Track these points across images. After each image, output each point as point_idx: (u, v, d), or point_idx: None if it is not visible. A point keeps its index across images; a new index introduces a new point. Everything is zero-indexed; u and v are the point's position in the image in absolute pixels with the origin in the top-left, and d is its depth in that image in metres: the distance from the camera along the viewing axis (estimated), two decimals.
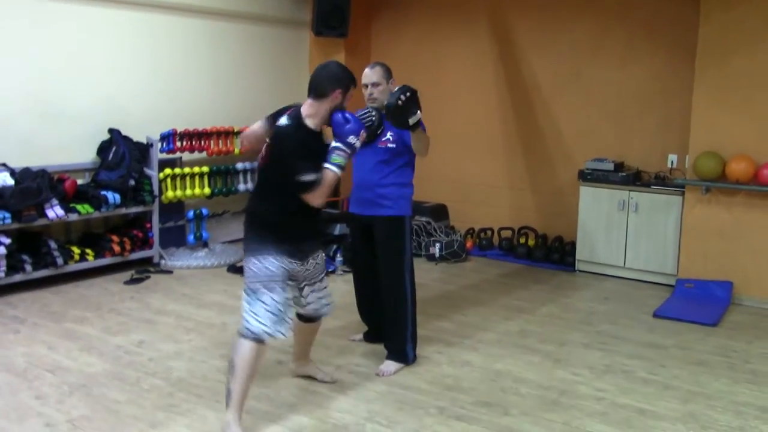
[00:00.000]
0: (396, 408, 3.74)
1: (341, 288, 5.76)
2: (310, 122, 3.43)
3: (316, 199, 3.35)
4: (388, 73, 4.23)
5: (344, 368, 4.24)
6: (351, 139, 3.39)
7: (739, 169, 5.63)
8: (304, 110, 3.44)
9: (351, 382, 4.05)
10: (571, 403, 3.86)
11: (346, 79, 3.48)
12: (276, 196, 3.43)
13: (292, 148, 3.35)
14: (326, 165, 3.33)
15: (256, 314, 3.35)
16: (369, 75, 4.21)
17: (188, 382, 3.97)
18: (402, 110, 3.86)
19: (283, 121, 3.45)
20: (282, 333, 3.40)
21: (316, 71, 3.51)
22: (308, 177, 3.28)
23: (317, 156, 3.37)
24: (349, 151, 3.38)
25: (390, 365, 4.21)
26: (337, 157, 3.36)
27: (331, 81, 3.43)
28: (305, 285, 3.66)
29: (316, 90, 3.43)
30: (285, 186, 3.35)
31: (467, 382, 4.10)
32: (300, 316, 3.81)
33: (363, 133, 3.47)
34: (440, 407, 3.75)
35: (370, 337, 4.63)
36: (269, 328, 3.35)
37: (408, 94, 3.88)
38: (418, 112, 3.91)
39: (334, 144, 3.39)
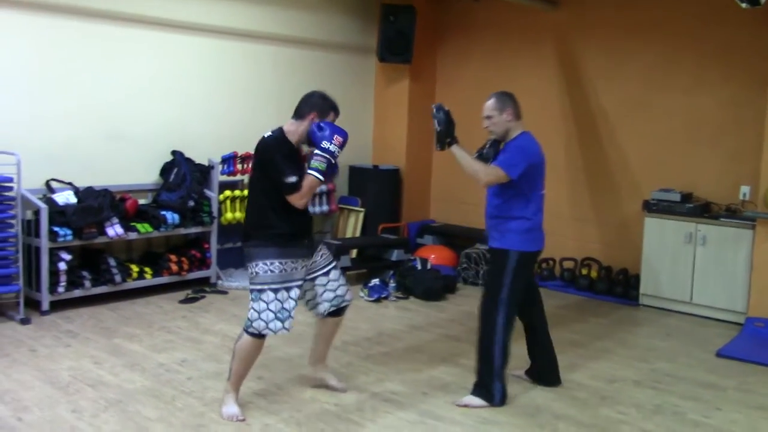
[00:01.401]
0: None
1: (392, 314, 5.70)
2: (290, 137, 3.82)
3: (297, 200, 3.69)
4: (501, 104, 4.08)
5: (379, 395, 4.16)
6: (324, 143, 3.68)
7: None
8: (286, 127, 3.85)
9: (383, 410, 3.97)
10: None
11: (322, 106, 3.83)
12: (266, 202, 3.77)
13: (275, 153, 3.72)
14: (308, 170, 3.67)
15: (258, 312, 3.73)
16: (484, 108, 4.14)
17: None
18: (446, 134, 4.09)
19: (267, 133, 3.86)
20: (284, 329, 3.75)
21: (302, 97, 3.92)
22: (291, 179, 3.64)
23: (297, 165, 3.73)
24: (326, 155, 3.66)
25: (472, 400, 4.06)
26: (316, 162, 3.67)
27: (309, 105, 3.83)
28: (318, 275, 3.96)
29: (297, 111, 3.86)
30: (273, 190, 3.71)
31: (504, 415, 3.95)
32: (322, 314, 4.05)
33: (338, 138, 3.70)
34: None
35: (530, 374, 4.46)
36: (272, 325, 3.73)
37: (444, 116, 4.09)
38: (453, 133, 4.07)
39: (314, 151, 3.70)
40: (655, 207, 6.29)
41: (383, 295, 6.32)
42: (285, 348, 4.93)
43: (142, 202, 6.25)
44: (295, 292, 3.77)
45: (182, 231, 6.26)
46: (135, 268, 5.98)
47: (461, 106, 8.13)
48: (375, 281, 6.45)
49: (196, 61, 6.68)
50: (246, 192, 6.73)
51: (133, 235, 5.90)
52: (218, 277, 6.55)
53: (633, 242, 6.65)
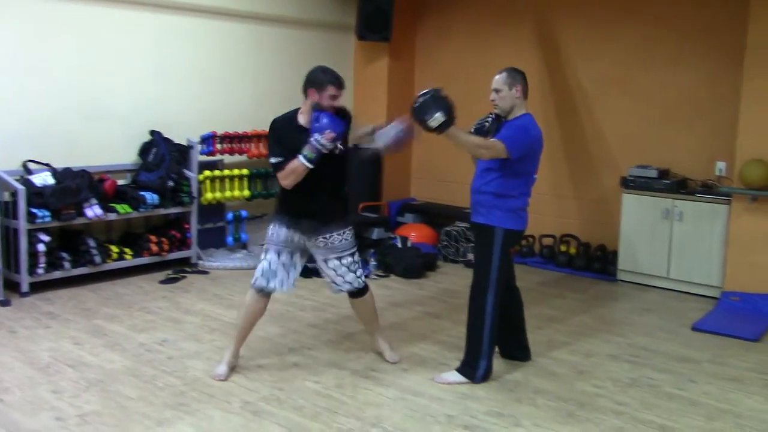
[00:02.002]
0: (404, 415, 3.67)
1: (373, 292, 5.70)
2: (301, 118, 4.00)
3: (281, 180, 3.93)
4: (512, 79, 4.00)
5: (359, 373, 4.20)
6: (316, 136, 3.80)
7: None
8: (301, 108, 4.02)
9: (363, 387, 4.01)
10: (588, 416, 3.73)
11: (318, 80, 3.92)
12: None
13: (270, 132, 4.07)
14: (298, 154, 3.82)
15: (258, 268, 4.10)
16: (494, 81, 4.05)
17: (202, 382, 3.99)
18: (417, 112, 3.80)
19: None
20: (273, 287, 4.06)
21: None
22: (272, 159, 3.93)
23: (293, 145, 3.86)
24: (316, 146, 3.80)
25: (452, 376, 4.09)
26: (306, 150, 3.82)
27: (307, 82, 3.97)
28: (322, 260, 4.13)
29: (302, 90, 4.01)
30: None
31: (483, 390, 4.00)
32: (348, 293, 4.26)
33: (329, 133, 3.79)
34: (450, 416, 3.68)
35: (502, 351, 4.43)
36: (259, 280, 4.05)
37: (427, 96, 3.81)
38: (438, 114, 3.74)
39: (310, 139, 3.83)
40: (632, 183, 6.35)
41: (364, 273, 6.32)
42: (266, 327, 4.94)
43: (120, 182, 6.22)
44: (282, 257, 4.07)
45: (162, 211, 6.24)
46: (115, 249, 5.97)
47: (441, 84, 8.16)
48: None
49: (174, 40, 6.62)
50: (226, 171, 6.75)
51: (112, 216, 5.88)
52: (199, 258, 6.54)
53: (611, 218, 6.71)
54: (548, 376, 4.25)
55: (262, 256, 4.11)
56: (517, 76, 4.03)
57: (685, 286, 6.14)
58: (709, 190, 6.13)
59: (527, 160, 3.99)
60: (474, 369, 4.06)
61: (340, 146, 3.99)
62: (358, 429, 3.50)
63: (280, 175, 3.91)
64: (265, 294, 4.10)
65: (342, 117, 3.98)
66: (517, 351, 4.46)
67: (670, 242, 6.16)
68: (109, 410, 3.62)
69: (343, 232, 4.13)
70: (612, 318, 5.47)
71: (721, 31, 6.18)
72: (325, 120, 3.82)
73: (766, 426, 3.68)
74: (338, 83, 3.93)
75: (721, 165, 6.21)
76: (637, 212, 6.33)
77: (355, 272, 4.19)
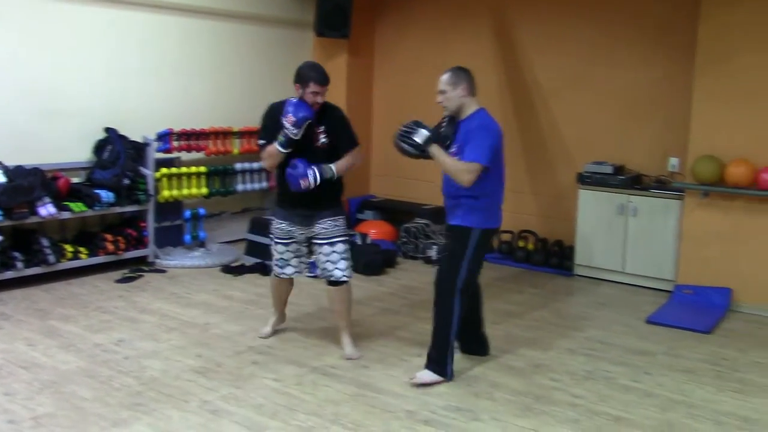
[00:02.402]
0: (364, 411, 3.68)
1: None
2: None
3: (262, 162, 4.34)
4: (455, 78, 3.99)
5: (318, 369, 4.20)
6: (283, 119, 4.07)
7: (738, 173, 5.50)
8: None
9: (323, 384, 4.00)
10: (544, 409, 3.77)
11: (302, 76, 4.16)
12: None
13: (263, 115, 4.36)
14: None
15: (273, 258, 4.50)
16: (439, 82, 4.04)
17: (160, 382, 3.95)
18: (404, 133, 3.99)
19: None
20: (281, 274, 4.50)
21: None
22: (259, 141, 4.32)
23: (274, 128, 4.19)
24: (285, 131, 4.07)
25: (426, 375, 4.05)
26: (279, 136, 4.11)
27: (295, 77, 4.20)
28: (315, 244, 4.37)
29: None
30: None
31: (442, 386, 4.02)
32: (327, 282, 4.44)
33: (289, 117, 4.04)
34: (409, 411, 3.69)
35: (461, 347, 4.45)
36: (276, 269, 4.53)
37: (410, 123, 3.98)
38: (423, 130, 3.94)
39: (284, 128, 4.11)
40: (588, 179, 6.44)
41: (313, 274, 6.29)
42: (224, 325, 4.92)
43: (75, 180, 6.12)
44: (290, 246, 4.42)
45: (118, 210, 6.15)
46: (69, 249, 5.86)
47: (400, 80, 8.21)
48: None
49: (130, 36, 6.52)
50: (184, 169, 6.67)
51: (66, 215, 5.77)
52: (156, 256, 6.46)
53: (568, 214, 6.79)
54: (506, 370, 4.30)
55: (274, 248, 4.47)
56: (461, 74, 4.01)
57: (639, 280, 6.25)
58: (662, 185, 6.24)
59: (495, 157, 3.99)
60: (443, 367, 4.05)
61: (324, 139, 4.26)
62: (318, 426, 3.50)
63: (261, 156, 4.29)
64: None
65: (323, 110, 4.24)
66: (476, 346, 4.49)
67: (625, 237, 6.26)
68: (64, 412, 3.56)
69: (336, 219, 4.37)
70: (569, 312, 5.55)
71: (675, 29, 6.30)
72: (287, 106, 4.09)
73: (717, 415, 3.77)
74: (321, 80, 4.13)
75: (674, 161, 6.33)
76: (593, 208, 6.42)
77: (347, 260, 4.39)
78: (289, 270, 4.47)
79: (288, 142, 4.10)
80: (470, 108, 4.02)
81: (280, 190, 4.41)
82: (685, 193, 5.89)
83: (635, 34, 6.53)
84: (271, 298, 4.80)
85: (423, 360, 4.37)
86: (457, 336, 4.16)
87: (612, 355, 4.62)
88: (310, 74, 4.12)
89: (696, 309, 5.55)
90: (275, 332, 4.75)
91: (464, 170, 3.86)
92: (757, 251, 5.58)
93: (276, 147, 4.13)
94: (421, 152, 3.96)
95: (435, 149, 3.92)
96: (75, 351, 4.37)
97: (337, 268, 4.34)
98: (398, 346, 4.64)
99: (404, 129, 3.98)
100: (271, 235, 4.48)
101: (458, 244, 4.03)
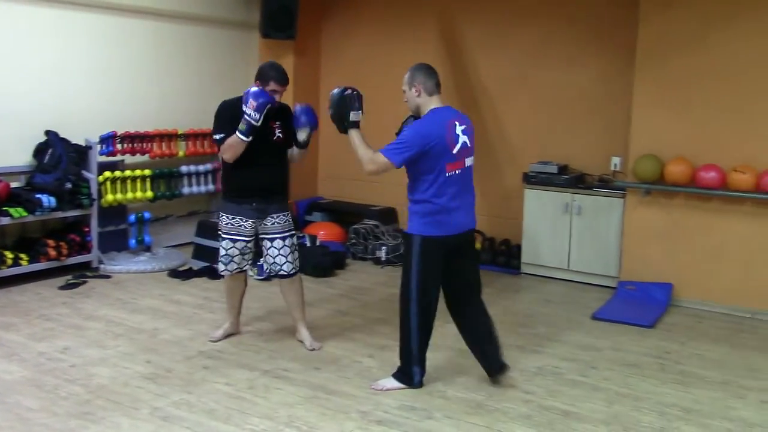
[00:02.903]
0: (318, 413, 3.67)
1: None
2: None
3: (221, 153, 4.31)
4: (411, 78, 3.88)
5: (270, 373, 4.17)
6: (243, 107, 4.14)
7: (677, 172, 5.66)
8: None
9: (275, 387, 3.98)
10: (497, 406, 3.83)
11: (264, 75, 4.28)
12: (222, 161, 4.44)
13: (219, 112, 4.36)
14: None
15: (220, 256, 4.49)
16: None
17: (108, 389, 3.87)
18: (342, 103, 3.99)
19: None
20: (224, 271, 4.50)
21: None
22: (216, 135, 4.29)
23: (234, 121, 4.21)
24: (247, 118, 4.12)
25: (389, 382, 4.00)
26: (240, 124, 4.16)
27: (256, 74, 4.33)
28: (265, 239, 4.45)
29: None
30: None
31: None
32: (279, 277, 4.55)
33: (252, 102, 4.11)
34: (363, 412, 3.70)
35: (488, 373, 4.15)
36: (222, 269, 4.52)
37: (348, 91, 4.00)
38: (359, 110, 4.00)
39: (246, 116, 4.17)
40: (533, 179, 6.55)
41: (263, 277, 6.27)
42: (173, 331, 4.85)
43: (14, 185, 5.95)
44: (238, 243, 4.42)
45: (60, 214, 6.00)
46: (9, 255, 5.69)
47: (347, 80, 8.16)
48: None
49: (70, 37, 6.36)
50: (128, 173, 6.55)
51: (5, 221, 5.61)
52: (100, 261, 6.33)
53: (514, 213, 6.90)
54: (457, 368, 4.34)
55: (220, 244, 4.47)
56: (416, 74, 3.88)
57: (584, 277, 6.38)
58: (605, 184, 6.39)
59: (429, 161, 3.75)
60: (409, 375, 3.98)
61: (279, 134, 4.39)
62: (272, 429, 3.48)
63: (221, 149, 4.27)
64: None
65: (278, 109, 4.36)
66: (494, 364, 4.10)
67: (570, 235, 6.39)
68: (9, 423, 3.46)
69: (287, 214, 4.50)
70: (517, 310, 5.63)
71: (614, 31, 6.45)
72: (247, 93, 4.15)
73: (661, 407, 3.88)
74: (281, 80, 4.27)
75: (616, 160, 6.48)
76: (539, 207, 6.53)
77: (294, 253, 4.52)
78: (232, 266, 4.47)
79: (250, 130, 4.15)
80: (426, 108, 3.88)
81: (231, 184, 4.43)
82: (627, 191, 6.04)
83: (576, 34, 6.68)
84: (225, 302, 4.76)
85: (375, 361, 4.42)
86: (421, 347, 3.98)
87: (560, 351, 4.71)
88: (270, 73, 4.26)
89: (639, 304, 5.70)
90: (226, 336, 4.71)
91: (368, 160, 3.82)
92: (696, 247, 5.75)
93: (237, 136, 4.17)
94: (343, 128, 3.99)
95: (353, 132, 3.93)
96: (18, 360, 4.25)
97: (287, 261, 4.47)
98: (350, 347, 4.64)
99: (348, 94, 3.98)
100: (219, 232, 4.48)
101: (406, 252, 3.94)
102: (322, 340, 4.75)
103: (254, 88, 4.20)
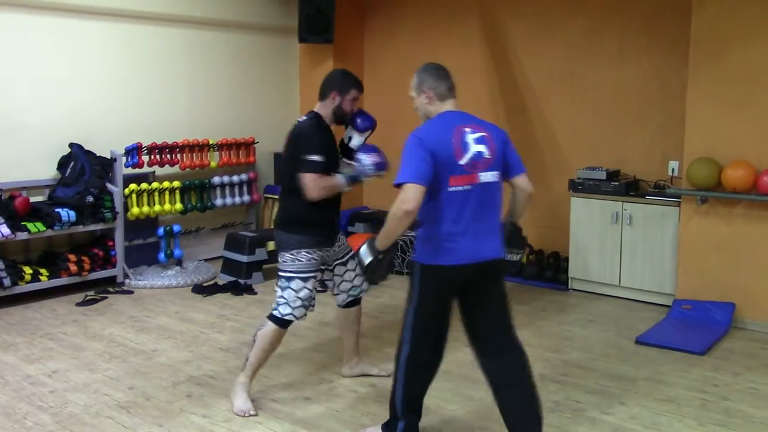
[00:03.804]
0: None
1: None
2: (326, 119, 3.81)
3: (311, 190, 3.57)
4: (419, 82, 3.21)
5: (255, 403, 3.82)
6: (363, 158, 3.71)
7: (737, 177, 5.00)
8: (318, 109, 3.81)
9: (254, 421, 3.64)
10: None
11: (341, 83, 3.78)
12: (294, 189, 3.67)
13: (312, 134, 3.68)
14: (340, 174, 3.69)
15: (286, 300, 3.71)
16: None
17: (77, 419, 3.64)
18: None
19: (301, 118, 3.81)
20: (303, 316, 3.77)
21: (324, 77, 3.88)
22: (315, 156, 3.58)
23: (328, 146, 3.72)
24: (362, 169, 3.68)
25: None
26: (350, 171, 3.71)
27: (330, 84, 3.79)
28: (336, 264, 3.94)
29: (320, 93, 3.82)
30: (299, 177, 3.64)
31: (384, 417, 3.63)
32: (341, 305, 4.04)
33: (374, 157, 3.71)
34: None
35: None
36: (294, 311, 3.71)
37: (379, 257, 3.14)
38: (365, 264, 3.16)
39: (357, 164, 3.70)
40: (580, 186, 5.99)
41: None
42: (172, 352, 4.60)
43: (38, 198, 5.89)
44: (311, 283, 3.78)
45: (80, 229, 5.87)
46: (28, 270, 5.61)
47: (390, 84, 7.84)
48: None
49: (98, 47, 6.28)
50: (155, 185, 6.41)
51: (22, 236, 5.52)
52: (126, 276, 6.19)
53: (563, 224, 6.33)
54: (464, 400, 3.89)
55: (293, 286, 3.70)
56: (425, 77, 3.19)
57: (637, 294, 5.77)
58: (661, 191, 5.77)
59: (433, 175, 3.02)
60: (393, 430, 3.32)
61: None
62: None
63: (314, 185, 3.57)
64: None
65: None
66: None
67: (621, 248, 5.79)
68: None
69: (342, 232, 4.08)
70: (552, 332, 5.10)
71: (669, 21, 5.82)
72: (377, 154, 3.75)
73: None
74: (360, 87, 3.87)
75: (673, 164, 5.84)
76: (586, 217, 5.96)
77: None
78: (300, 312, 3.75)
79: (353, 181, 3.70)
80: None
81: (309, 215, 3.70)
82: (682, 199, 5.40)
83: (627, 27, 6.08)
84: (255, 357, 3.78)
85: (374, 390, 4.03)
86: (418, 407, 3.34)
87: (588, 381, 4.17)
88: (349, 81, 3.80)
89: (694, 326, 5.06)
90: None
91: (397, 205, 2.93)
92: (761, 262, 5.07)
93: (340, 181, 3.65)
94: (381, 255, 3.14)
95: (379, 242, 3.09)
96: (1, 384, 4.08)
97: (364, 280, 3.95)
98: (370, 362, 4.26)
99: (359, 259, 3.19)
100: (290, 273, 3.72)
101: (410, 282, 3.19)
102: (326, 365, 4.40)
103: (371, 153, 3.72)
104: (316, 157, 3.56)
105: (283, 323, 3.72)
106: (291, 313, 3.71)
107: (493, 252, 3.16)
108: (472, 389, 4.00)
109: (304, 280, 3.72)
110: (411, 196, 2.92)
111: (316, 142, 3.63)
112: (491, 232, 3.15)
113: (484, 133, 3.12)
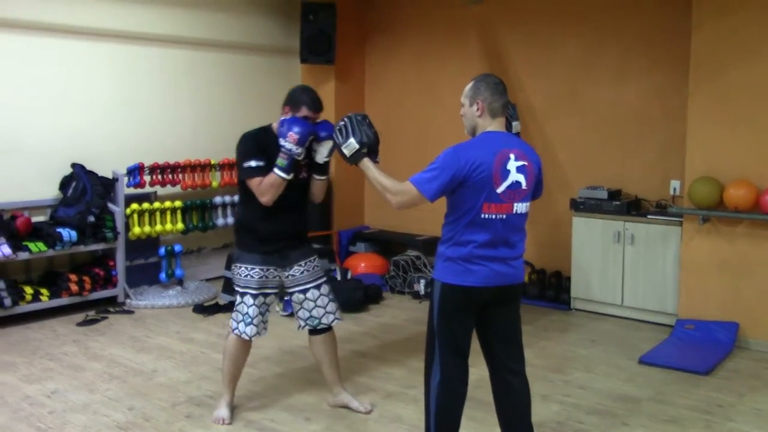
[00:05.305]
0: None
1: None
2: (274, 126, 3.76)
3: (260, 195, 3.61)
4: (474, 92, 3.14)
5: (254, 424, 3.81)
6: (281, 141, 3.58)
7: (738, 196, 4.99)
8: (274, 124, 3.78)
9: None
10: None
11: (295, 100, 3.70)
12: (243, 201, 3.85)
13: (245, 141, 3.71)
14: (274, 167, 3.59)
15: (237, 315, 3.78)
16: None
17: None
18: (336, 135, 3.36)
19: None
20: (246, 334, 3.75)
21: None
22: (254, 162, 3.61)
23: (267, 150, 3.64)
24: (285, 151, 3.56)
25: None
26: (279, 159, 3.58)
27: (286, 99, 3.74)
28: (295, 292, 3.84)
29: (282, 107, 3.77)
30: (246, 188, 3.69)
31: None
32: (310, 330, 3.93)
33: (292, 135, 3.55)
34: None
35: None
36: (237, 328, 3.77)
37: (346, 120, 3.34)
38: (352, 140, 3.28)
39: (282, 148, 3.59)
40: (582, 206, 5.98)
41: (288, 312, 5.94)
42: (172, 373, 4.58)
43: (39, 218, 5.89)
44: (255, 299, 3.76)
45: (82, 248, 5.87)
46: (29, 290, 5.60)
47: (392, 104, 7.87)
48: None
49: (101, 68, 6.32)
50: (156, 204, 6.41)
51: (23, 256, 5.51)
52: (127, 296, 6.17)
53: (565, 243, 6.31)
54: (464, 421, 3.84)
55: (237, 300, 3.79)
56: (482, 88, 3.12)
57: (639, 314, 5.74)
58: (662, 210, 5.76)
59: (465, 193, 3.00)
60: None
61: (304, 173, 3.81)
62: None
63: (260, 189, 3.61)
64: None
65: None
66: None
67: (623, 268, 5.77)
68: None
69: (314, 258, 3.94)
70: (554, 352, 5.07)
71: (669, 40, 5.84)
72: (286, 123, 3.61)
73: None
74: (314, 105, 3.71)
75: (675, 183, 5.83)
76: (588, 236, 5.95)
77: (334, 302, 3.96)
78: (251, 330, 3.75)
79: (291, 165, 3.58)
80: (480, 131, 3.14)
81: (254, 230, 3.76)
82: (684, 218, 5.39)
83: (627, 46, 6.11)
84: (224, 371, 3.88)
85: (375, 412, 4.00)
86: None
87: (590, 402, 4.14)
88: (302, 97, 3.69)
89: (697, 346, 5.03)
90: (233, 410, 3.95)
91: (396, 190, 3.07)
92: (765, 281, 5.04)
93: (277, 174, 3.57)
94: (360, 156, 3.29)
95: (366, 164, 3.25)
96: (0, 404, 4.06)
97: (327, 312, 3.90)
98: (352, 393, 4.21)
99: (339, 127, 3.34)
100: (237, 287, 3.79)
101: (431, 301, 3.17)
102: (324, 385, 4.35)
103: (287, 117, 3.64)
104: (251, 163, 3.62)
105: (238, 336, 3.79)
106: (244, 332, 3.76)
107: (516, 278, 3.16)
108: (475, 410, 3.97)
109: (254, 296, 3.75)
110: (408, 200, 3.06)
111: (248, 148, 3.67)
112: (516, 258, 3.15)
113: (525, 163, 3.09)
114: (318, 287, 3.88)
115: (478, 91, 3.12)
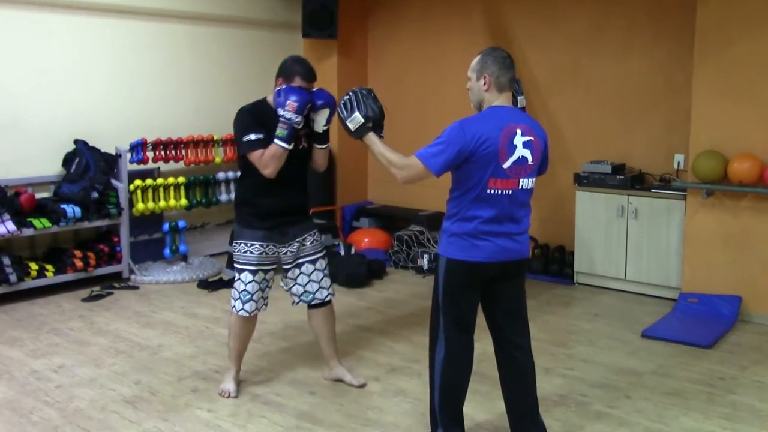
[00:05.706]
0: None
1: None
2: (269, 99, 3.74)
3: (263, 168, 3.58)
4: (481, 65, 3.09)
5: (260, 398, 3.84)
6: (279, 111, 3.54)
7: (743, 170, 4.98)
8: (269, 97, 3.76)
9: (259, 415, 3.65)
10: None
11: (287, 70, 3.67)
12: (243, 176, 3.85)
13: (242, 114, 3.68)
14: (274, 138, 3.55)
15: (234, 291, 3.82)
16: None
17: (82, 414, 3.65)
18: (339, 110, 3.33)
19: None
20: (245, 311, 3.78)
21: None
22: (254, 135, 3.57)
23: (266, 123, 3.61)
24: (285, 121, 3.53)
25: None
26: (278, 130, 3.55)
27: (278, 70, 3.72)
28: (292, 266, 3.85)
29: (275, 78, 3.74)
30: (246, 162, 3.68)
31: (391, 415, 3.64)
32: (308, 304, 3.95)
33: (291, 103, 3.51)
34: None
35: None
36: (237, 305, 3.79)
37: (351, 94, 3.32)
38: (356, 114, 3.26)
39: (281, 118, 3.55)
40: (585, 180, 5.97)
41: None
42: (177, 347, 4.61)
43: (43, 195, 5.90)
44: (255, 275, 3.76)
45: (86, 225, 5.88)
46: (34, 266, 5.62)
47: (395, 79, 7.83)
48: None
49: (103, 44, 6.29)
50: (160, 180, 6.40)
51: (28, 232, 5.53)
52: (131, 272, 6.19)
53: (568, 218, 6.31)
54: (469, 395, 3.85)
55: (236, 277, 3.81)
56: (489, 62, 3.07)
57: (643, 288, 5.75)
58: (666, 184, 5.74)
59: (469, 166, 2.98)
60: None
61: (304, 143, 3.79)
62: None
63: (262, 162, 3.58)
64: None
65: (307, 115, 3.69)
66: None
67: (627, 242, 5.77)
68: None
69: (314, 233, 3.93)
70: (557, 326, 5.09)
71: (674, 12, 5.80)
72: (283, 92, 3.57)
73: None
74: (308, 75, 3.67)
75: (679, 157, 5.81)
76: (592, 211, 5.95)
77: (328, 278, 3.96)
78: (251, 306, 3.77)
79: (291, 135, 3.55)
80: (487, 106, 3.10)
81: (250, 204, 3.76)
82: (688, 192, 5.38)
83: (632, 19, 6.06)
84: (230, 347, 3.92)
85: (379, 385, 4.02)
86: (446, 407, 3.21)
87: (593, 375, 4.16)
88: (295, 68, 3.66)
89: (700, 320, 5.05)
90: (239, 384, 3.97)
91: (401, 165, 3.07)
92: None
93: (278, 144, 3.53)
94: (365, 131, 3.28)
95: (371, 138, 3.24)
96: (7, 379, 4.10)
97: (321, 288, 3.91)
98: (356, 366, 4.25)
99: (344, 101, 3.31)
100: (237, 264, 3.80)
101: (435, 277, 3.19)
102: (323, 357, 4.38)
103: (283, 87, 3.59)
104: (251, 136, 3.58)
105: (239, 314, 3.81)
106: (242, 309, 3.77)
107: (522, 253, 3.16)
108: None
109: (253, 273, 3.75)
110: (414, 174, 3.06)
111: (246, 122, 3.63)
112: (521, 233, 3.14)
113: (531, 138, 3.05)
114: (314, 261, 3.89)
115: (485, 64, 3.08)
